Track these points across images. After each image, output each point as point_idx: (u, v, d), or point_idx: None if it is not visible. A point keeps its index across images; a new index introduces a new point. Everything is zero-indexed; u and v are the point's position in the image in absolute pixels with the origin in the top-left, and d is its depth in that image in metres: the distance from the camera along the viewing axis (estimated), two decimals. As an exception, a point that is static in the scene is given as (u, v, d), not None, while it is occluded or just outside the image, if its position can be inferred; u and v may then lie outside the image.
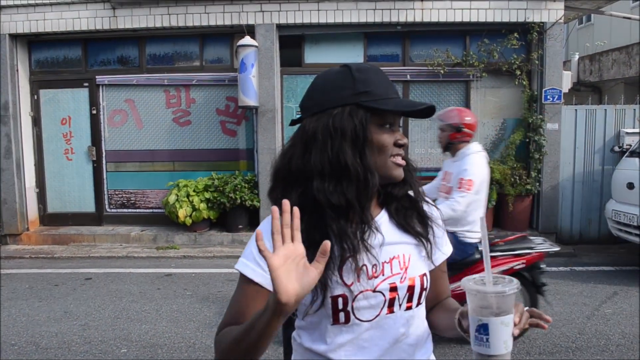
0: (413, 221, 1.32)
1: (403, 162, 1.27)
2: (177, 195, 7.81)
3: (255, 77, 7.69)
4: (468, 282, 1.09)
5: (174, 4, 7.91)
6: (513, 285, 1.07)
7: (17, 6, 8.21)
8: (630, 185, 6.45)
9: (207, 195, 7.84)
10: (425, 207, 1.38)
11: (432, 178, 4.44)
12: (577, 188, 7.94)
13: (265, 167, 7.93)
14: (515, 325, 1.08)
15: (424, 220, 1.34)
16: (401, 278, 1.25)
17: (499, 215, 7.93)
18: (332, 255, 1.15)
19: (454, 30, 7.96)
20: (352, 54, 8.09)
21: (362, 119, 1.21)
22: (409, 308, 1.27)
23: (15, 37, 8.40)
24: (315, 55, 8.21)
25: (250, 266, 1.22)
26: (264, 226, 1.21)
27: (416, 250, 1.31)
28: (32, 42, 8.67)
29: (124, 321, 4.96)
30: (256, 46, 7.70)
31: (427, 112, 1.25)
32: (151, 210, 8.65)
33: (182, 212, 7.73)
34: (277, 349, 4.17)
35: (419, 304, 1.29)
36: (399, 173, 1.27)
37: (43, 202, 8.91)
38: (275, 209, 1.01)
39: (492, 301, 1.06)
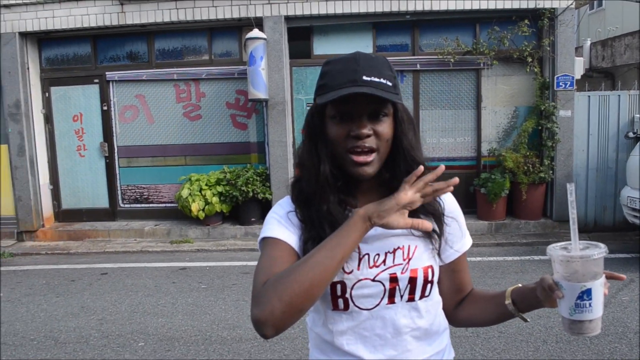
0: (419, 215, 1.27)
1: (360, 159, 1.21)
2: (190, 190, 7.84)
3: (264, 69, 7.68)
4: (554, 249, 1.12)
5: (182, -2, 7.91)
6: (601, 250, 1.11)
7: (25, 4, 8.24)
8: (645, 171, 6.40)
9: (220, 188, 7.87)
10: (441, 200, 1.35)
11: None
12: (591, 175, 7.88)
13: (277, 159, 7.95)
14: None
15: (433, 215, 1.31)
16: (402, 269, 1.25)
17: (512, 204, 7.89)
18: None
19: (463, 18, 7.90)
20: (361, 45, 8.04)
21: (313, 112, 1.28)
22: (410, 300, 1.27)
23: (25, 35, 8.44)
24: (325, 47, 8.17)
25: (272, 228, 1.28)
26: (283, 203, 1.36)
27: (423, 242, 1.29)
28: (42, 39, 8.71)
29: (141, 315, 5.01)
30: (265, 39, 7.68)
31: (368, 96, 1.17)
32: (164, 205, 8.70)
33: (195, 206, 7.77)
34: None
35: (423, 296, 1.28)
36: (356, 171, 1.22)
37: (57, 198, 8.99)
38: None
39: (578, 267, 1.08)
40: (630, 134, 7.50)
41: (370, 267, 1.25)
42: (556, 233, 7.69)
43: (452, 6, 7.66)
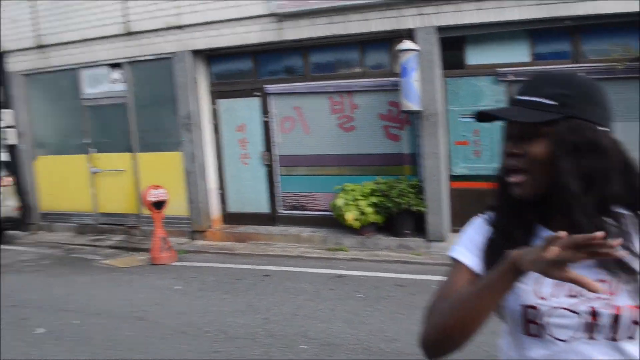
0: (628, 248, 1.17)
1: (511, 178, 1.22)
2: (345, 199, 8.16)
3: (417, 81, 7.79)
4: None
5: (334, 13, 8.21)
6: None
7: (197, 24, 9.07)
8: None
9: (374, 199, 8.08)
10: None
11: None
12: None
13: (431, 172, 8.01)
14: None
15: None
16: (605, 304, 1.17)
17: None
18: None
19: (632, 21, 7.33)
20: (517, 53, 7.83)
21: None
22: (613, 339, 1.18)
23: (196, 53, 9.31)
24: (478, 56, 8.07)
25: (462, 251, 1.34)
26: (477, 224, 1.39)
27: (628, 279, 1.19)
28: (210, 56, 9.56)
29: (302, 318, 5.32)
30: (417, 50, 7.77)
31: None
32: (320, 213, 9.10)
33: (350, 215, 8.08)
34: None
35: (628, 338, 1.19)
36: (512, 190, 1.23)
37: (224, 202, 9.89)
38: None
39: None
40: None
41: (569, 297, 1.19)
42: None
43: (618, 8, 7.16)
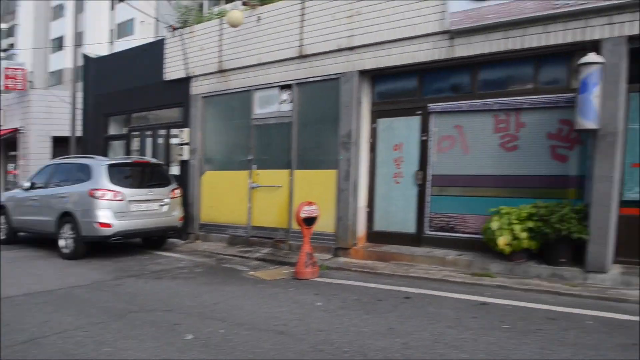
0: None
1: None
2: (498, 223, 7.61)
3: (597, 97, 7.07)
4: None
5: (511, 27, 7.87)
6: None
7: (367, 45, 9.30)
8: None
9: (530, 224, 7.45)
10: None
11: None
12: None
13: (600, 197, 7.12)
14: None
15: None
16: None
17: None
18: None
19: None
20: None
21: None
22: None
23: (362, 73, 9.53)
24: (672, 70, 7.13)
25: None
26: None
27: None
28: (375, 76, 9.70)
29: (442, 346, 4.93)
30: (602, 63, 7.09)
31: None
32: (469, 235, 8.63)
33: (502, 240, 7.50)
34: None
35: None
36: None
37: (371, 220, 9.78)
38: None
39: None
40: None
41: None
42: None
43: None
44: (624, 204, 7.33)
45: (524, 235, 7.41)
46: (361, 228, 9.71)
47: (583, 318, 5.67)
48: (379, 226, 9.66)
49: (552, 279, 7.27)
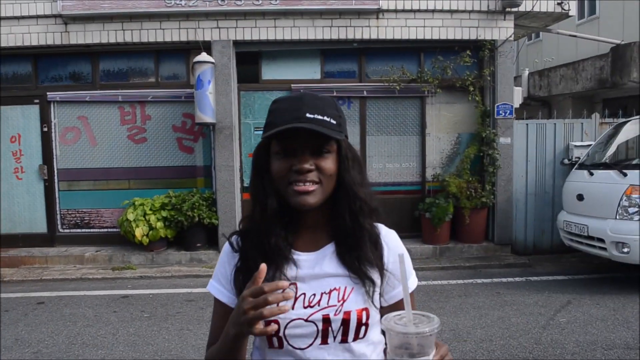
0: (353, 257, 1.34)
1: (301, 188, 1.26)
2: (133, 214, 7.85)
3: (212, 93, 7.85)
4: (388, 322, 1.10)
5: (128, 20, 8.00)
6: (434, 325, 1.07)
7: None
8: (580, 197, 6.83)
9: (164, 213, 7.92)
10: (383, 241, 1.41)
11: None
12: (529, 200, 8.36)
13: (224, 184, 8.07)
14: None
15: (368, 258, 1.35)
16: (336, 311, 1.29)
17: (455, 228, 8.27)
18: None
19: (408, 47, 8.32)
20: (309, 71, 8.37)
21: (260, 148, 1.36)
22: (343, 341, 1.30)
23: (-40, 53, 8.31)
24: (273, 72, 8.45)
25: (216, 286, 1.40)
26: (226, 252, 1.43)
27: (360, 285, 1.33)
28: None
29: (79, 347, 4.89)
30: (213, 62, 7.86)
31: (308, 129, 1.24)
32: (106, 230, 8.66)
33: (139, 231, 7.79)
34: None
35: (357, 338, 1.31)
36: (297, 200, 1.27)
37: (-8, 223, 8.79)
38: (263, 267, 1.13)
39: (412, 342, 1.07)
40: (566, 161, 8.02)
41: (305, 307, 1.29)
42: (498, 256, 8.11)
43: (397, 35, 8.07)
44: (245, 189, 8.42)
45: (159, 224, 7.84)
46: (-21, 232, 8.70)
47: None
48: (3, 229, 8.76)
49: (191, 264, 7.96)
